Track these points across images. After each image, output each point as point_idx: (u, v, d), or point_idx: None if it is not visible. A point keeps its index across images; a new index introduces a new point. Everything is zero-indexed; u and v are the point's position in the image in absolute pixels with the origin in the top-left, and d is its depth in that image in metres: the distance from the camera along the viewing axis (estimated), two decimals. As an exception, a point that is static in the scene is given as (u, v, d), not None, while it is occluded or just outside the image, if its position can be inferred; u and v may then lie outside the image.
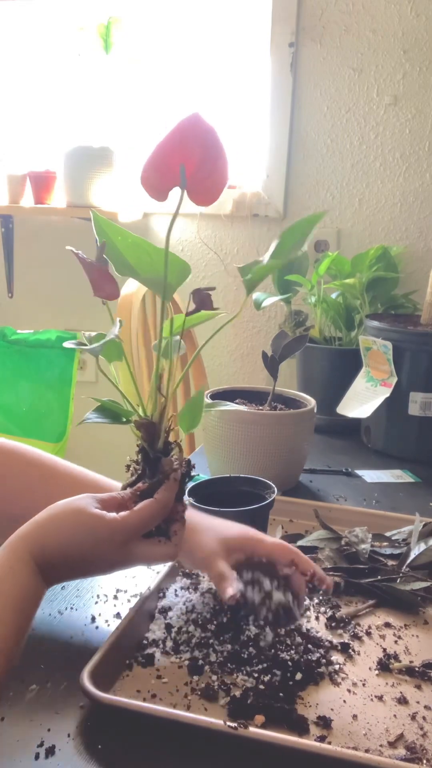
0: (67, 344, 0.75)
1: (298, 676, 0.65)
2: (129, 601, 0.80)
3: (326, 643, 0.71)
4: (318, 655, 0.69)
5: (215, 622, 0.72)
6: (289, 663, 0.67)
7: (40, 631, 0.74)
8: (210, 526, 0.76)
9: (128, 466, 0.71)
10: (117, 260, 0.66)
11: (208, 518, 0.78)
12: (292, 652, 0.68)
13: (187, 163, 0.62)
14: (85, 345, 0.71)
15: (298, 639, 0.70)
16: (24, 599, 0.59)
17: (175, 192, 0.65)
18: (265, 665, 0.66)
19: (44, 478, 0.79)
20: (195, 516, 0.77)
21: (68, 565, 0.63)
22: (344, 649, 0.71)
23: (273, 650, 0.68)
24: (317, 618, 0.77)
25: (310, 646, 0.70)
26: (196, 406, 0.72)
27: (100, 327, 2.37)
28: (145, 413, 0.70)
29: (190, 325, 0.71)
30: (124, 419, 0.72)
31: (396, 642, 0.74)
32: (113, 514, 0.63)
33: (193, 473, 0.71)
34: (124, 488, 0.69)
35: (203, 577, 0.82)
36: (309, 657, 0.68)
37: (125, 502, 0.66)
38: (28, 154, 2.14)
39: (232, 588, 0.68)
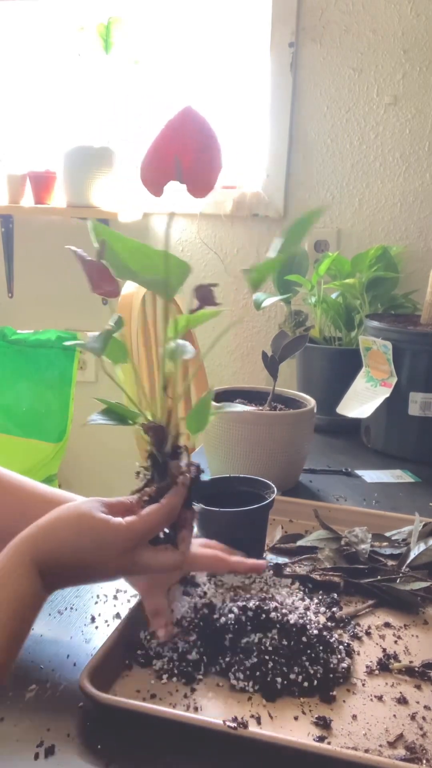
0: (68, 343, 0.75)
1: (303, 679, 0.65)
2: (129, 601, 0.80)
3: (338, 646, 0.71)
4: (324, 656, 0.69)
5: (213, 625, 0.72)
6: (295, 665, 0.67)
7: (40, 631, 0.74)
8: None
9: (138, 473, 0.70)
10: (117, 265, 0.66)
11: None
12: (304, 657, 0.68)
13: (183, 156, 0.63)
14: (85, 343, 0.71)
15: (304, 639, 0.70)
16: (22, 605, 0.57)
17: (173, 188, 0.66)
18: (265, 665, 0.66)
19: None
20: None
21: (70, 571, 0.62)
22: (344, 649, 0.71)
23: (273, 650, 0.68)
24: (317, 617, 0.77)
25: (321, 648, 0.69)
26: (204, 408, 0.70)
27: (100, 327, 2.36)
28: (153, 416, 0.68)
29: (194, 323, 0.71)
30: (130, 421, 0.71)
31: (396, 642, 0.74)
32: (119, 519, 0.62)
33: (203, 477, 0.69)
34: (133, 494, 0.68)
35: (203, 576, 0.82)
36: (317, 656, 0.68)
37: (133, 507, 0.65)
38: (28, 154, 2.14)
39: (162, 632, 0.69)
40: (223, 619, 0.70)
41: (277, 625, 0.69)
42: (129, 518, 0.62)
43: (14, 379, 1.89)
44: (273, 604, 0.71)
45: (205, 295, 0.68)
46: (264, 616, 0.69)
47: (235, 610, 0.70)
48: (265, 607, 0.70)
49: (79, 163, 1.90)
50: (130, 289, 1.54)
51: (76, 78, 1.97)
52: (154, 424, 0.67)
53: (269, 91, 1.87)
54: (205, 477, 0.84)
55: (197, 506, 0.76)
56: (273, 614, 0.69)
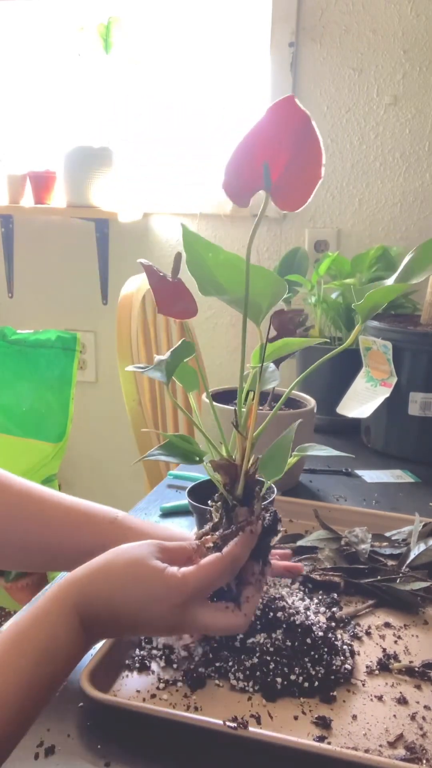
0: (129, 368, 0.69)
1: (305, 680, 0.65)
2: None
3: (342, 646, 0.70)
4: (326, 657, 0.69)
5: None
6: (295, 665, 0.67)
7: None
8: (145, 530, 0.72)
9: (209, 512, 0.64)
10: (204, 278, 0.58)
11: (140, 521, 0.73)
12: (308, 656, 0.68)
13: (275, 160, 0.52)
14: (144, 367, 0.64)
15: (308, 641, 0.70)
16: (51, 652, 0.52)
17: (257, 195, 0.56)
18: (266, 665, 0.66)
19: None
20: (130, 519, 0.73)
21: (115, 621, 0.56)
22: (344, 649, 0.71)
23: (274, 651, 0.68)
24: (317, 617, 0.77)
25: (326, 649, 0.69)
26: (281, 451, 0.63)
27: (100, 327, 2.38)
28: (227, 452, 0.61)
29: (277, 355, 0.64)
30: (197, 458, 0.64)
31: (396, 642, 0.74)
32: (173, 569, 0.56)
33: (279, 528, 0.62)
34: (198, 538, 0.62)
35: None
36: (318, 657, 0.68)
37: (193, 555, 0.59)
38: (28, 154, 2.14)
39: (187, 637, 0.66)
40: None
41: (284, 625, 0.68)
42: (185, 569, 0.56)
43: (14, 379, 1.89)
44: (281, 604, 0.71)
45: (283, 324, 0.61)
46: (272, 614, 0.69)
47: None
48: (273, 606, 0.70)
49: (79, 163, 1.90)
50: (130, 289, 1.54)
51: (76, 78, 1.97)
52: (226, 461, 0.60)
53: (269, 91, 1.87)
54: (205, 477, 0.84)
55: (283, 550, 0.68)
56: (280, 614, 0.69)
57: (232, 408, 0.97)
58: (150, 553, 0.57)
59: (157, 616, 0.56)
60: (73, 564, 0.72)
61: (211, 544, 0.60)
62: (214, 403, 0.71)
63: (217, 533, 0.60)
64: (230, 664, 0.66)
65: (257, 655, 0.66)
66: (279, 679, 0.65)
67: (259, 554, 0.61)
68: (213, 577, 0.56)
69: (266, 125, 0.53)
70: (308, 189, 0.54)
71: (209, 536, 0.60)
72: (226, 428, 0.63)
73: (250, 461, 0.60)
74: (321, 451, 0.70)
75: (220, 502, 0.62)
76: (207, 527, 0.63)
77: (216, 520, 0.62)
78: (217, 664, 0.67)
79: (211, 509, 0.64)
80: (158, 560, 0.57)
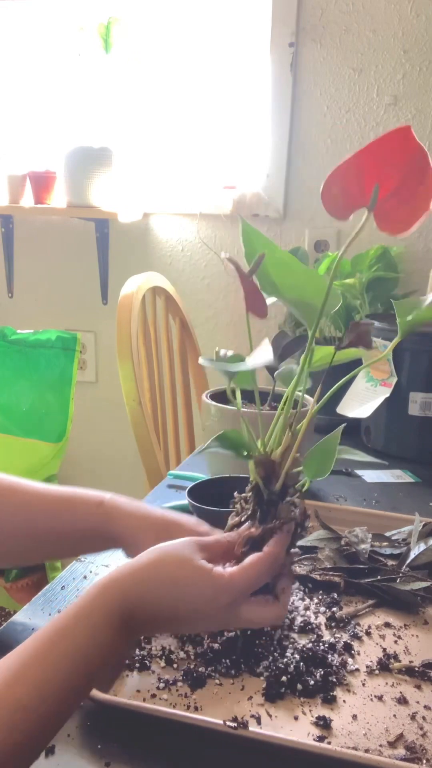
0: (202, 361, 0.70)
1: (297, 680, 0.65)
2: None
3: (327, 645, 0.71)
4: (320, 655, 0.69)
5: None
6: (291, 664, 0.67)
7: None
8: (133, 511, 0.72)
9: (233, 502, 0.66)
10: (261, 276, 0.59)
11: (155, 512, 0.73)
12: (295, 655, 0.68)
13: (384, 183, 0.53)
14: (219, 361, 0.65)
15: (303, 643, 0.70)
16: (90, 653, 0.52)
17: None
18: (270, 667, 0.66)
19: None
20: (117, 501, 0.73)
21: (160, 619, 0.57)
22: (344, 649, 0.71)
23: (274, 651, 0.68)
24: (317, 617, 0.77)
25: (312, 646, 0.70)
26: (328, 451, 0.63)
27: (100, 327, 2.37)
28: (266, 448, 0.63)
29: (338, 360, 0.65)
30: (246, 452, 0.65)
31: (396, 642, 0.74)
32: (219, 569, 0.57)
33: (307, 524, 0.64)
34: (230, 529, 0.64)
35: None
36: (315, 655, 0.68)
37: (231, 547, 0.61)
38: (28, 154, 2.14)
39: None
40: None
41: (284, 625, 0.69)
42: (230, 570, 0.57)
43: (14, 379, 1.89)
44: None
45: (360, 335, 0.60)
46: None
47: None
48: None
49: (79, 163, 1.90)
50: (130, 288, 1.54)
51: (76, 78, 1.97)
52: (265, 457, 0.62)
53: (269, 91, 1.87)
54: (206, 477, 0.84)
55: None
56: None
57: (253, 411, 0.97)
58: (193, 551, 0.58)
59: (204, 615, 0.57)
60: (65, 550, 0.73)
61: (248, 538, 0.61)
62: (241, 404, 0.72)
63: (256, 528, 0.61)
64: (230, 665, 0.67)
65: (257, 654, 0.66)
66: (283, 678, 0.64)
67: (290, 547, 0.63)
68: (257, 576, 0.58)
69: (380, 148, 0.54)
70: (414, 217, 0.55)
71: (253, 530, 0.61)
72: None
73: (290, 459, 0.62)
74: (354, 455, 0.72)
75: (253, 494, 0.63)
76: (237, 519, 0.64)
77: (249, 512, 0.63)
78: (217, 666, 0.67)
79: (239, 500, 0.65)
80: (203, 560, 0.58)
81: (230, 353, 0.71)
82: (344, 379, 0.67)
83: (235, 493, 0.66)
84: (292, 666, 0.66)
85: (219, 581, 0.56)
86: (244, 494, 0.65)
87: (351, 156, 0.55)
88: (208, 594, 0.56)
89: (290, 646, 0.69)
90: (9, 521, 0.72)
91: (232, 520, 0.65)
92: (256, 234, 0.58)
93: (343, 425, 0.68)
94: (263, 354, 0.61)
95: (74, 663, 0.51)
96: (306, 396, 1.22)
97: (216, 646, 0.69)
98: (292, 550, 0.64)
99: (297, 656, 0.67)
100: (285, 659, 0.67)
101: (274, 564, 0.60)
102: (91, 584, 0.56)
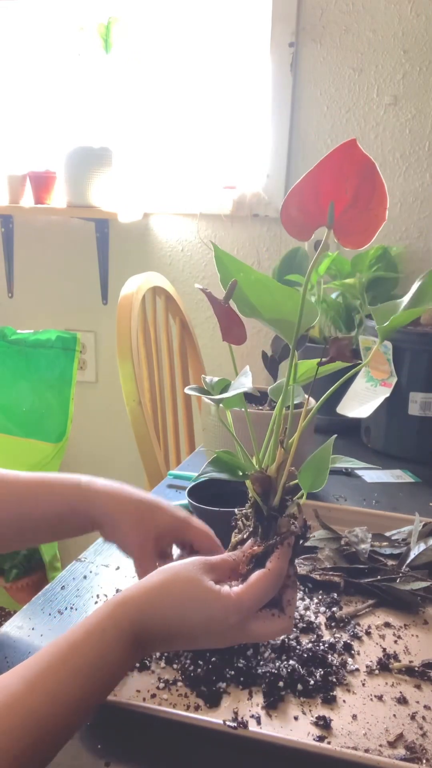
0: (189, 390, 0.72)
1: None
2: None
3: (326, 647, 0.71)
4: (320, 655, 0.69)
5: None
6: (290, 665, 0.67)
7: (40, 631, 0.74)
8: (111, 492, 0.72)
9: (236, 520, 0.67)
10: (239, 298, 0.60)
11: (134, 494, 0.73)
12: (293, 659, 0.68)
13: (339, 198, 0.54)
14: (206, 392, 0.67)
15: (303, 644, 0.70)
16: (101, 670, 0.53)
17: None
18: (271, 669, 0.66)
19: None
20: (95, 482, 0.73)
21: (172, 638, 0.58)
22: (344, 649, 0.71)
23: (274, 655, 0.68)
24: (317, 617, 0.77)
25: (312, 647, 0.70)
26: (322, 462, 0.64)
27: (100, 327, 2.37)
28: (260, 465, 0.65)
29: (322, 373, 0.66)
30: (241, 473, 0.67)
31: (396, 642, 0.74)
32: (227, 589, 0.59)
33: (308, 535, 0.65)
34: (233, 547, 0.65)
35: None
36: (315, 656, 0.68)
37: (237, 566, 0.62)
38: (28, 154, 2.14)
39: None
40: None
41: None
42: (237, 589, 0.59)
43: (14, 379, 1.89)
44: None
45: (341, 350, 0.61)
46: None
47: None
48: None
49: (79, 163, 1.90)
50: (130, 289, 1.54)
51: (76, 78, 1.97)
52: (261, 474, 0.63)
53: (269, 91, 1.87)
54: (205, 477, 0.84)
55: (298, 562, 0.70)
56: None
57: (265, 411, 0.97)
58: (201, 572, 0.59)
59: (214, 633, 0.58)
60: (46, 535, 0.74)
61: (252, 555, 0.62)
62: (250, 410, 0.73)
63: (258, 545, 0.63)
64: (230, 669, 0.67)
65: (258, 654, 0.66)
66: (281, 684, 0.64)
67: (292, 559, 0.64)
68: (263, 592, 0.59)
69: (330, 164, 0.54)
70: (373, 227, 0.56)
71: (256, 548, 0.63)
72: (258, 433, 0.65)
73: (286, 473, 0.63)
74: (348, 462, 0.72)
75: (251, 510, 0.64)
76: (239, 536, 0.65)
77: (251, 529, 0.64)
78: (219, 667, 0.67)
79: (240, 517, 0.66)
80: (211, 580, 0.59)
81: (216, 380, 0.72)
82: (331, 390, 0.67)
83: (236, 510, 0.67)
84: (291, 666, 0.66)
85: (227, 601, 0.58)
86: (244, 511, 0.66)
87: (304, 176, 0.55)
88: (218, 615, 0.57)
89: (290, 646, 0.69)
90: None
91: (234, 538, 0.67)
92: (229, 258, 0.59)
93: (334, 437, 0.69)
94: (243, 382, 0.64)
95: (86, 678, 0.52)
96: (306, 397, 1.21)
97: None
98: (296, 561, 0.65)
99: (297, 656, 0.67)
100: (285, 660, 0.67)
101: (278, 578, 0.61)
102: (103, 603, 0.58)
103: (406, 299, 0.63)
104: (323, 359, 0.63)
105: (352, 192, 0.54)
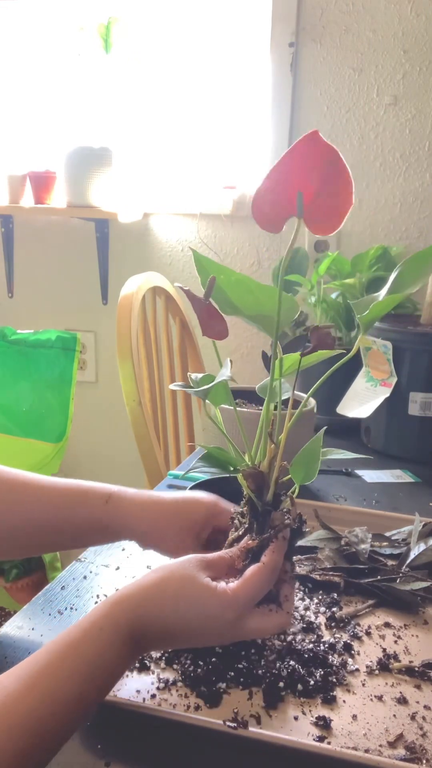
0: (173, 386, 0.73)
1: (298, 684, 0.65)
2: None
3: (325, 646, 0.71)
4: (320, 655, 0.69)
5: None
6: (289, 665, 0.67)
7: (40, 631, 0.74)
8: (142, 502, 0.72)
9: (233, 519, 0.67)
10: (220, 298, 0.62)
11: (136, 493, 0.73)
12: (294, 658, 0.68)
13: (306, 188, 0.56)
14: (190, 387, 0.68)
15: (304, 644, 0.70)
16: (99, 669, 0.53)
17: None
18: (272, 668, 0.66)
19: None
20: (125, 493, 0.73)
21: (169, 636, 0.58)
22: (344, 649, 0.71)
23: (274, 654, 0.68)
24: (317, 617, 0.77)
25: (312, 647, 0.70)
26: (312, 455, 0.65)
27: (100, 327, 2.37)
28: (252, 461, 0.65)
29: (305, 364, 0.67)
30: (232, 468, 0.67)
31: (396, 642, 0.74)
32: (223, 586, 0.58)
33: (305, 529, 0.65)
34: (230, 544, 0.65)
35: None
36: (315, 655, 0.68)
37: (233, 562, 0.62)
38: (28, 154, 2.14)
39: None
40: None
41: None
42: (233, 585, 0.59)
43: (14, 379, 1.89)
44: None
45: (322, 339, 0.63)
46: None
47: None
48: None
49: (79, 163, 1.90)
50: (130, 289, 1.54)
51: (76, 78, 1.97)
52: (253, 470, 0.63)
53: (269, 91, 1.87)
54: (206, 477, 0.84)
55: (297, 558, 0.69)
56: None
57: (252, 411, 0.97)
58: (197, 569, 0.59)
59: (211, 631, 0.58)
60: (73, 542, 0.74)
61: (247, 551, 0.62)
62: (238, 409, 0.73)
63: (252, 539, 0.63)
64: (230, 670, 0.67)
65: (258, 655, 0.66)
66: (281, 684, 0.64)
67: (290, 554, 0.63)
68: (259, 587, 0.59)
69: (295, 158, 0.57)
70: (341, 214, 0.58)
71: (250, 542, 0.63)
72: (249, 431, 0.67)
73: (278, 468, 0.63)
74: (340, 454, 0.73)
75: (247, 507, 0.64)
76: (236, 534, 0.65)
77: (246, 525, 0.64)
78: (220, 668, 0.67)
79: (236, 516, 0.67)
80: (207, 577, 0.59)
81: (200, 376, 0.75)
82: (319, 381, 0.67)
83: (232, 508, 0.67)
84: (291, 666, 0.66)
85: (223, 598, 0.57)
86: (239, 509, 0.67)
87: (271, 170, 0.58)
88: (214, 611, 0.57)
89: (290, 646, 0.69)
90: (20, 515, 0.72)
91: (231, 536, 0.67)
92: (207, 261, 0.61)
93: (324, 429, 0.69)
94: (223, 373, 0.67)
95: (84, 677, 0.52)
96: (298, 393, 1.22)
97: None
98: (296, 561, 0.65)
99: (297, 657, 0.67)
100: (285, 660, 0.67)
101: (274, 572, 0.60)
102: (100, 602, 0.58)
103: (383, 292, 0.64)
104: (305, 351, 0.65)
105: (319, 181, 0.56)
